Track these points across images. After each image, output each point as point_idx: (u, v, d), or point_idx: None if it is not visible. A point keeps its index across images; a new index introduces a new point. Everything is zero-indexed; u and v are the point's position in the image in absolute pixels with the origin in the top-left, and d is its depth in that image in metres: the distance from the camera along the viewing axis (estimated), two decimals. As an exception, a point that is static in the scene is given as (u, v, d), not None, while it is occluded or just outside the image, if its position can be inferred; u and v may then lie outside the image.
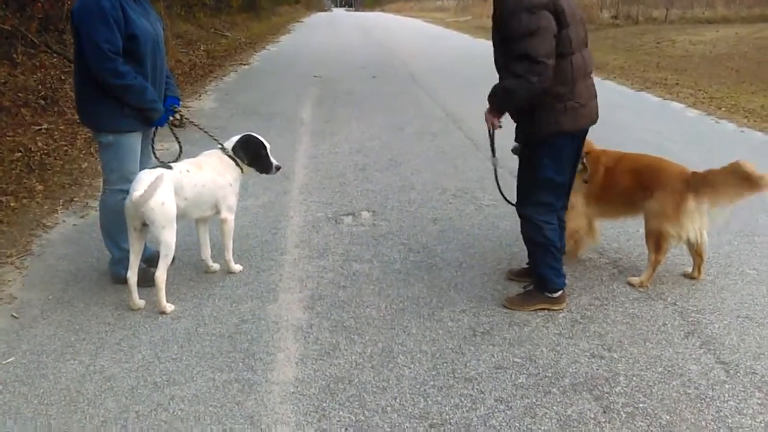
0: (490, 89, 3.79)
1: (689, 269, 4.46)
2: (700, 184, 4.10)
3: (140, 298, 4.06)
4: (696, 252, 4.35)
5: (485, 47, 3.83)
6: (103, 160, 4.25)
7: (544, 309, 3.99)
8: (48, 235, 5.26)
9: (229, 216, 4.41)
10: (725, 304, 4.05)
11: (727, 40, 19.44)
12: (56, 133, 8.06)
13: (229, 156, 4.38)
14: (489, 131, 4.05)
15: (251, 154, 4.43)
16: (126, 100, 4.04)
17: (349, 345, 3.66)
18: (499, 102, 3.78)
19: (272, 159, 4.48)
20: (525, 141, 3.93)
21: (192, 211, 4.24)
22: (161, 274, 3.97)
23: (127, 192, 3.96)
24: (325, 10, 79.92)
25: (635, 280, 4.34)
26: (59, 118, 8.64)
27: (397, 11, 66.44)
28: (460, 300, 4.14)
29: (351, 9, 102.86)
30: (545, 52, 3.49)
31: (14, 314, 4.01)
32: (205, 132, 4.64)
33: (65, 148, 7.56)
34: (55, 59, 10.97)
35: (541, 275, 4.01)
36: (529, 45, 3.47)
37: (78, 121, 8.36)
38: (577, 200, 4.37)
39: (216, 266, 4.59)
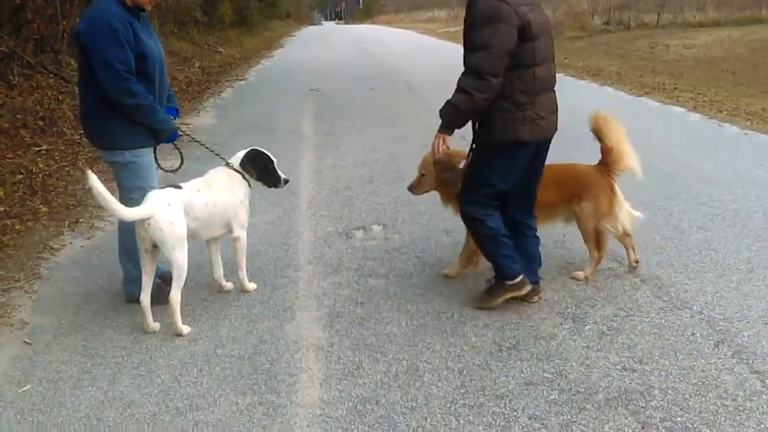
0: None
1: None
2: (613, 171, 4.40)
3: (155, 320, 3.97)
4: (625, 234, 4.55)
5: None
6: (121, 179, 4.14)
7: (511, 297, 4.06)
8: (56, 258, 5.16)
9: (241, 233, 4.34)
10: (752, 312, 3.97)
11: (720, 43, 19.50)
12: (56, 153, 7.96)
13: (237, 171, 4.32)
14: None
15: (259, 169, 4.36)
16: (138, 119, 4.00)
17: (373, 364, 3.57)
18: (449, 118, 3.83)
19: (280, 172, 4.42)
20: (480, 144, 3.96)
21: (203, 232, 4.16)
22: (175, 296, 3.88)
23: None
24: (315, 24, 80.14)
25: (579, 274, 4.50)
26: (59, 139, 8.54)
27: (387, 23, 66.69)
28: (482, 314, 4.06)
29: (341, 22, 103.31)
30: (492, 70, 3.58)
31: (27, 340, 3.91)
32: (207, 148, 4.59)
33: (67, 168, 7.47)
34: (51, 80, 10.86)
35: (497, 266, 4.07)
36: (479, 59, 3.58)
37: (78, 141, 8.37)
38: None
39: (230, 285, 4.50)
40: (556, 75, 3.99)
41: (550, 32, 3.87)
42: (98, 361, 3.67)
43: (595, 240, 4.42)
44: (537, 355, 3.58)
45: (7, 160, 7.44)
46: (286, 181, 4.47)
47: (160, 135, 4.14)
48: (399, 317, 4.07)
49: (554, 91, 3.94)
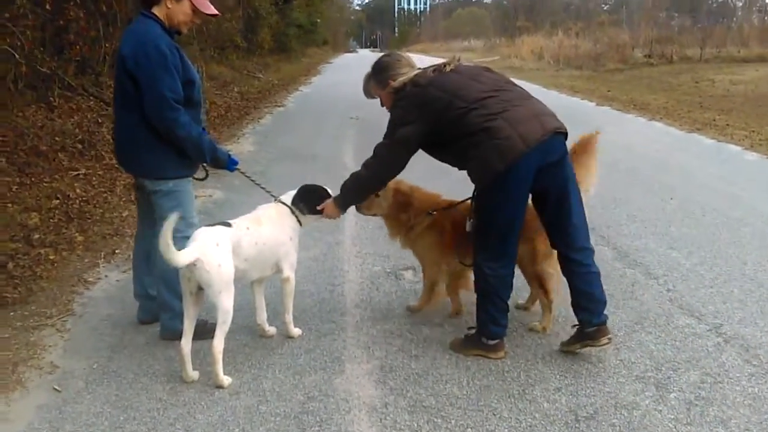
0: None
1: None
2: None
3: (194, 368, 3.66)
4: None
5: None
6: (162, 209, 3.83)
7: (480, 355, 3.86)
8: (90, 292, 4.88)
9: (291, 274, 4.05)
10: None
11: (768, 79, 19.02)
12: (94, 178, 7.75)
13: (286, 206, 4.06)
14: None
15: (315, 203, 4.13)
16: (187, 150, 3.82)
17: (434, 430, 3.20)
18: (348, 191, 4.12)
19: None
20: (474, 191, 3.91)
21: (252, 273, 3.87)
22: (218, 344, 3.56)
23: None
24: (351, 52, 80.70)
25: (537, 325, 4.20)
26: (97, 163, 8.34)
27: (422, 51, 66.69)
28: (552, 375, 3.68)
29: (376, 50, 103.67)
30: (389, 158, 3.91)
31: (56, 387, 3.61)
32: (261, 186, 4.33)
33: (104, 194, 7.25)
34: (91, 102, 10.75)
35: (479, 320, 3.89)
36: (381, 146, 3.87)
37: (116, 166, 8.13)
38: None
39: (273, 330, 4.19)
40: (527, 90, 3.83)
41: (478, 74, 3.79)
42: (132, 414, 3.36)
43: (539, 284, 4.14)
44: (619, 427, 3.19)
45: (44, 184, 7.25)
46: None
47: (217, 165, 4.03)
48: (459, 375, 3.70)
49: (512, 109, 3.59)
